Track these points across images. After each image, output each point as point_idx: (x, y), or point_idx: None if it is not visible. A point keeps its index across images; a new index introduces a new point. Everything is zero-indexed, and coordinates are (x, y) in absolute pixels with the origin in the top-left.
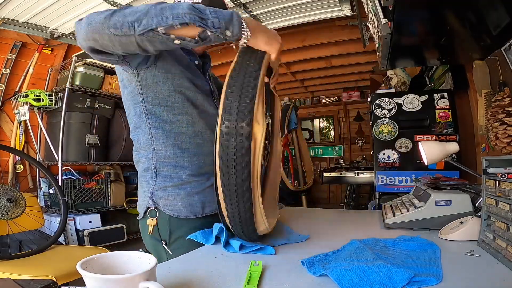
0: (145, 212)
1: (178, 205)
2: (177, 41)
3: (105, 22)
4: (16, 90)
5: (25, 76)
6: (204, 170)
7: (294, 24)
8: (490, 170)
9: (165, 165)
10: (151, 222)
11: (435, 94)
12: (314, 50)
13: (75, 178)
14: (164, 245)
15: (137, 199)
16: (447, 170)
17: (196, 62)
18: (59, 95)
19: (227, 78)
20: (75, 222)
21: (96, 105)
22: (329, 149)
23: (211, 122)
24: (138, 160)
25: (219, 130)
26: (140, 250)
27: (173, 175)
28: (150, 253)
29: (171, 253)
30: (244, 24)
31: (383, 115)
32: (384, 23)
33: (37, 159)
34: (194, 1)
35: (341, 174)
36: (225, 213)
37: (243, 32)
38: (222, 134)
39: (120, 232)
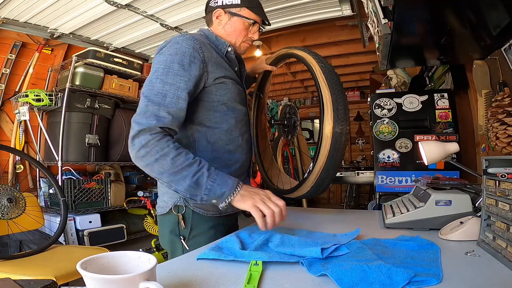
0: (171, 208)
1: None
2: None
3: (139, 165)
4: (16, 90)
5: (25, 76)
6: (233, 174)
7: (294, 24)
8: (490, 170)
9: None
10: (175, 217)
11: (435, 94)
12: (314, 50)
13: (75, 178)
14: (182, 240)
15: (137, 199)
16: (447, 170)
17: (236, 69)
18: (59, 95)
19: (327, 90)
20: (75, 222)
21: (96, 105)
22: None
23: (243, 130)
24: None
25: (331, 131)
26: (140, 250)
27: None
28: (164, 249)
29: (187, 248)
30: (234, 195)
31: (383, 115)
32: (384, 23)
33: (37, 159)
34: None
35: (341, 174)
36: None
37: (226, 202)
38: (336, 133)
39: (120, 232)
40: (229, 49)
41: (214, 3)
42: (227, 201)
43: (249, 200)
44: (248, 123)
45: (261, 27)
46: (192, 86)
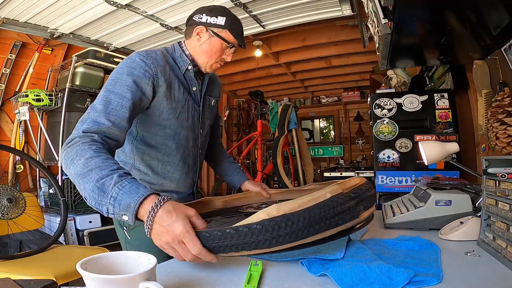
0: None
1: None
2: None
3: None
4: (16, 90)
5: (25, 76)
6: (166, 190)
7: (294, 24)
8: (490, 170)
9: (138, 176)
10: None
11: (435, 94)
12: (314, 50)
13: None
14: (124, 230)
15: None
16: (447, 170)
17: (194, 88)
18: (59, 95)
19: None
20: (75, 222)
21: None
22: (329, 149)
23: (185, 155)
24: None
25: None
26: None
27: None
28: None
29: (129, 238)
30: (149, 216)
31: (383, 115)
32: (384, 23)
33: (37, 159)
34: (215, 22)
35: (341, 174)
36: None
37: (132, 220)
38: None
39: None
40: (189, 67)
41: (199, 18)
42: (133, 218)
43: (160, 236)
44: (194, 148)
45: (235, 51)
46: (138, 98)
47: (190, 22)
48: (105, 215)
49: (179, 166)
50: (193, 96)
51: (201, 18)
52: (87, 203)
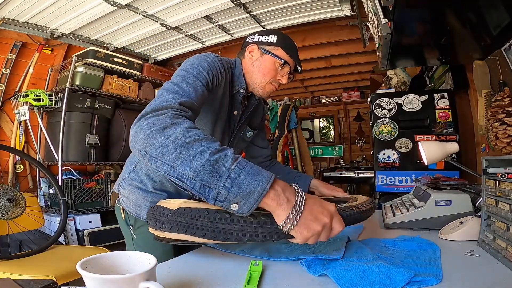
0: (118, 199)
1: (131, 202)
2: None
3: (136, 142)
4: (16, 90)
5: (25, 76)
6: (165, 190)
7: (294, 24)
8: (490, 170)
9: (144, 170)
10: (121, 209)
11: (435, 94)
12: (314, 50)
13: (75, 178)
14: (131, 229)
15: None
16: (447, 170)
17: (236, 112)
18: (59, 95)
19: None
20: (75, 222)
21: (96, 105)
22: (329, 149)
23: None
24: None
25: None
26: None
27: (144, 181)
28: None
29: (135, 237)
30: (298, 205)
31: (383, 115)
32: (384, 23)
33: (37, 159)
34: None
35: (341, 174)
36: None
37: (253, 207)
38: None
39: (120, 232)
40: (242, 90)
41: (251, 38)
42: (254, 206)
43: (315, 221)
44: None
45: (291, 75)
46: (206, 89)
47: (244, 44)
48: (210, 202)
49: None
50: (231, 120)
51: (253, 38)
52: (181, 185)
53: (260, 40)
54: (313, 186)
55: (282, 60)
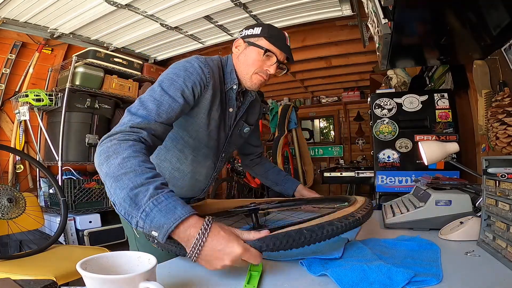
0: None
1: None
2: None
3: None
4: (16, 90)
5: (25, 76)
6: None
7: (294, 24)
8: (490, 170)
9: None
10: None
11: (435, 94)
12: (314, 50)
13: (75, 178)
14: (134, 228)
15: None
16: (447, 170)
17: (231, 109)
18: (59, 95)
19: None
20: (75, 222)
21: (96, 105)
22: (329, 149)
23: (197, 170)
24: None
25: None
26: None
27: None
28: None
29: (138, 236)
30: (197, 244)
31: (383, 115)
32: (384, 23)
33: (37, 159)
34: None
35: (341, 174)
36: None
37: (164, 239)
38: None
39: (120, 232)
40: (234, 86)
41: (240, 34)
42: (164, 238)
43: (214, 261)
44: (210, 169)
45: (284, 66)
46: (186, 104)
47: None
48: (133, 227)
49: (187, 178)
50: (227, 118)
51: (241, 34)
52: (115, 209)
53: (245, 34)
54: (297, 190)
55: (264, 49)
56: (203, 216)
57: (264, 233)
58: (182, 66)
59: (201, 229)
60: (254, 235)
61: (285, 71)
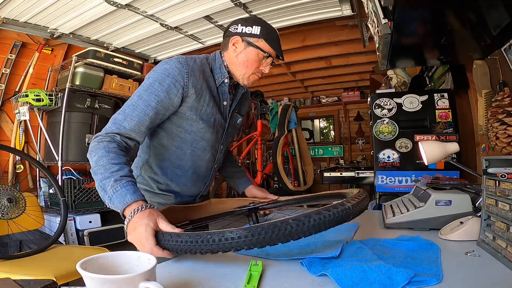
0: None
1: None
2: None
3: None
4: (16, 90)
5: (25, 76)
6: (171, 190)
7: (294, 24)
8: (490, 170)
9: (148, 173)
10: None
11: (435, 94)
12: (314, 50)
13: (75, 178)
14: None
15: None
16: (447, 170)
17: (225, 103)
18: (59, 95)
19: None
20: (75, 222)
21: (96, 105)
22: (329, 149)
23: (197, 164)
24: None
25: None
26: None
27: (150, 183)
28: None
29: None
30: (131, 215)
31: (383, 115)
32: (384, 23)
33: (37, 159)
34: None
35: (341, 174)
36: None
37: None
38: None
39: (120, 232)
40: (226, 80)
41: (234, 29)
42: (121, 215)
43: (130, 233)
44: (210, 161)
45: (273, 62)
46: (163, 106)
47: (227, 34)
48: (109, 206)
49: (189, 173)
50: (222, 111)
51: (236, 29)
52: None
53: (243, 32)
54: (247, 189)
55: (266, 53)
56: (152, 206)
57: (178, 230)
58: (160, 69)
59: (133, 210)
60: (166, 227)
61: (273, 65)
